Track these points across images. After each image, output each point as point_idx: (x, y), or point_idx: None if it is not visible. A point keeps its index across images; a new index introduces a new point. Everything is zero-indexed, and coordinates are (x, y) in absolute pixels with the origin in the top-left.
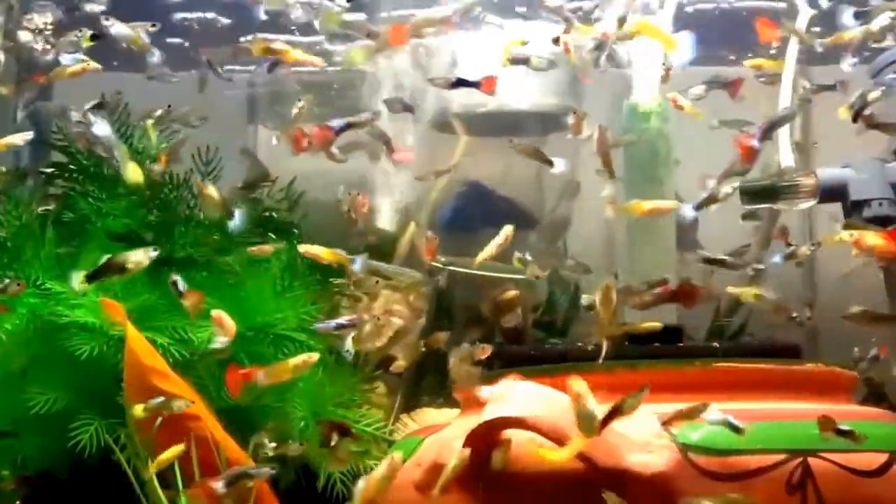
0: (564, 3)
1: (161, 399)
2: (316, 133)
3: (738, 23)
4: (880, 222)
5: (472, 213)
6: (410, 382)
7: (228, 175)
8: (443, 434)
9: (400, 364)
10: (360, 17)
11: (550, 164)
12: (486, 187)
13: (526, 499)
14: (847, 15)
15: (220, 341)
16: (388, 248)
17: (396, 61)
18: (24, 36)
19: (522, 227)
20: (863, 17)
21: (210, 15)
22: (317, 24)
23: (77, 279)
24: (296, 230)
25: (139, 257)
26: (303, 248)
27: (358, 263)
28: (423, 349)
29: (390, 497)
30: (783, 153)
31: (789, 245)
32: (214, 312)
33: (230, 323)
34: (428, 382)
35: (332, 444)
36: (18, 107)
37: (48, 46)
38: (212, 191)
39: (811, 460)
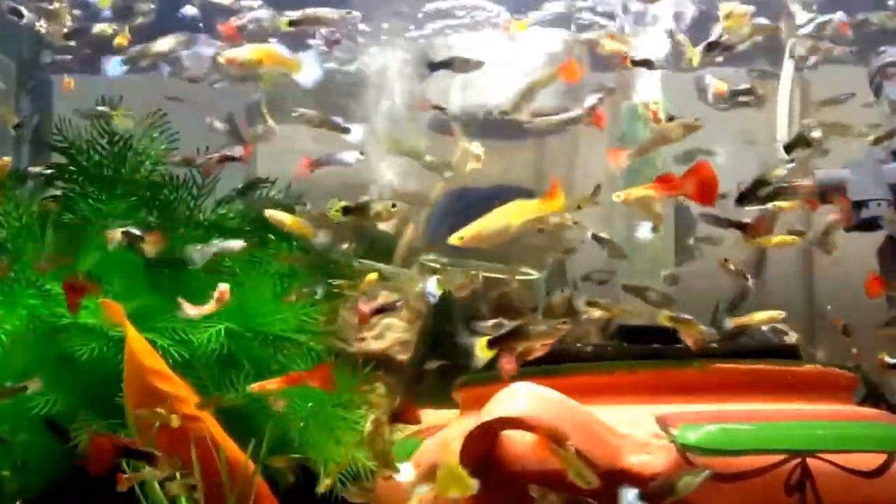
0: None
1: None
2: None
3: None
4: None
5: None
6: (410, 383)
7: (228, 176)
8: (441, 435)
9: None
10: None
11: (345, 131)
12: (473, 189)
13: (526, 499)
14: None
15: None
16: (387, 248)
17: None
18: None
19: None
20: None
21: None
22: None
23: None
24: None
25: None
26: (268, 213)
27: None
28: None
29: (390, 498)
30: (780, 154)
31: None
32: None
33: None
34: (428, 383)
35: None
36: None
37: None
38: None
39: (810, 461)
